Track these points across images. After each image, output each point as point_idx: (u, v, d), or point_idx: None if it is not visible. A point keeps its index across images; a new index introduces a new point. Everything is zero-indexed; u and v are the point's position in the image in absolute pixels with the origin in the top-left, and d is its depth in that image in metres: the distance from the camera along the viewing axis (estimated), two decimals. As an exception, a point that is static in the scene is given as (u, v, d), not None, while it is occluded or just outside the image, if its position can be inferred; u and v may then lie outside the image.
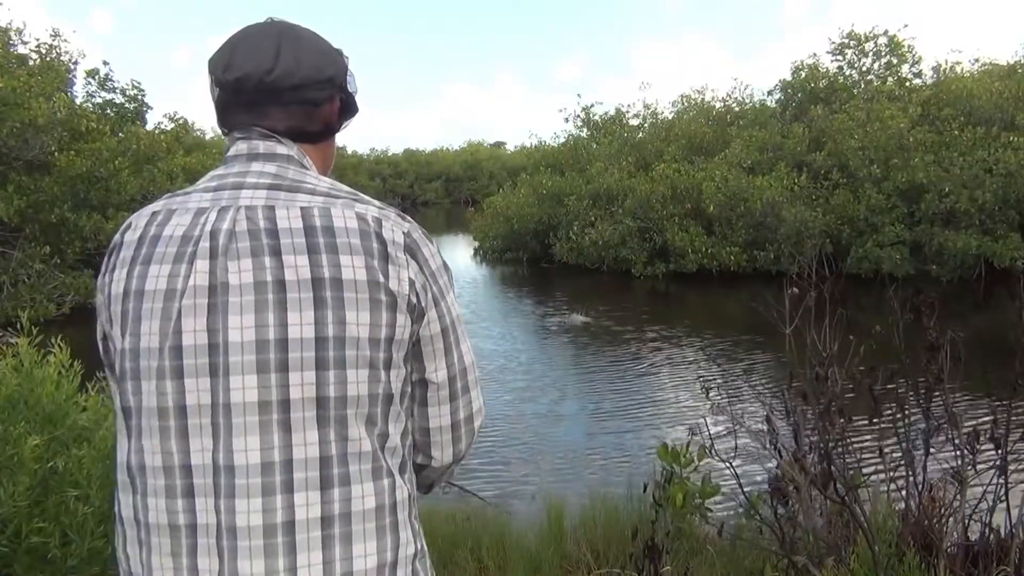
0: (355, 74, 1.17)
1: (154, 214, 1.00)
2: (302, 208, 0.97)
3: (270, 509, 0.91)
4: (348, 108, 1.16)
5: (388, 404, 0.98)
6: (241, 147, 1.05)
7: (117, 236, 1.03)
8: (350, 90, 1.15)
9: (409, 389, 1.05)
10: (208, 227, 0.95)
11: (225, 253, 0.93)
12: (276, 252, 0.93)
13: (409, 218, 1.05)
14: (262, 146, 1.04)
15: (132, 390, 0.95)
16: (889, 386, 2.81)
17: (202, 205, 0.98)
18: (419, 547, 1.03)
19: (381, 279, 0.96)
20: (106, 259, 1.03)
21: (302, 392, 0.92)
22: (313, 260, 0.93)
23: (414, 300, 0.99)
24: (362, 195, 1.04)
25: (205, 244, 0.94)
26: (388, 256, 0.97)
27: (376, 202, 1.04)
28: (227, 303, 0.92)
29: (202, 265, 0.93)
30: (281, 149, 1.05)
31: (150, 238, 0.97)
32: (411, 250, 1.01)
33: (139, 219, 1.01)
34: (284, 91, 1.05)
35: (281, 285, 0.92)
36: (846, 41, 18.04)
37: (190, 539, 0.91)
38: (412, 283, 0.99)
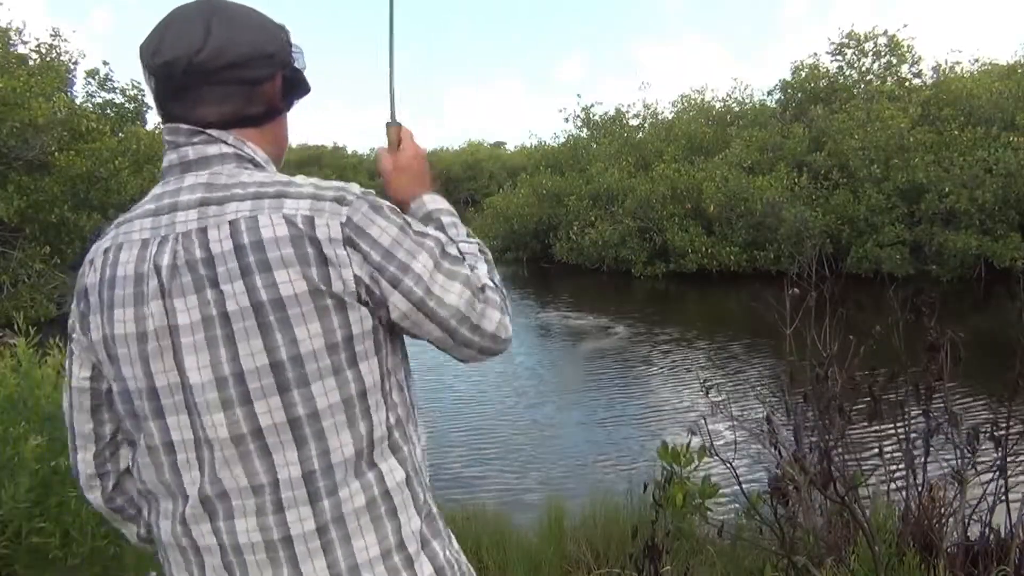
0: (303, 49, 1.09)
1: (106, 251, 0.99)
2: (231, 223, 0.92)
3: (266, 527, 0.94)
4: (295, 86, 1.09)
5: (364, 400, 0.96)
6: (172, 157, 1.00)
7: (81, 279, 1.02)
8: (297, 66, 1.08)
9: (389, 369, 1.01)
10: (151, 264, 0.94)
11: (170, 293, 0.93)
12: (215, 283, 0.91)
13: (351, 196, 0.96)
14: (192, 152, 0.99)
15: (132, 428, 1.01)
16: (889, 386, 2.81)
17: (143, 236, 0.96)
18: (423, 518, 1.02)
19: (322, 287, 0.91)
20: (76, 301, 1.03)
21: (272, 418, 0.92)
22: (248, 284, 0.90)
23: (365, 296, 0.95)
24: (294, 184, 0.96)
25: (153, 283, 0.94)
26: (326, 259, 0.92)
27: (309, 189, 0.96)
28: (181, 344, 0.93)
29: (156, 307, 0.93)
30: (212, 149, 0.99)
31: (108, 280, 0.97)
32: (352, 242, 0.94)
33: (96, 258, 1.00)
34: (217, 71, 0.98)
35: (226, 318, 0.91)
36: (846, 41, 18.04)
37: (197, 558, 0.97)
38: (359, 280, 0.94)
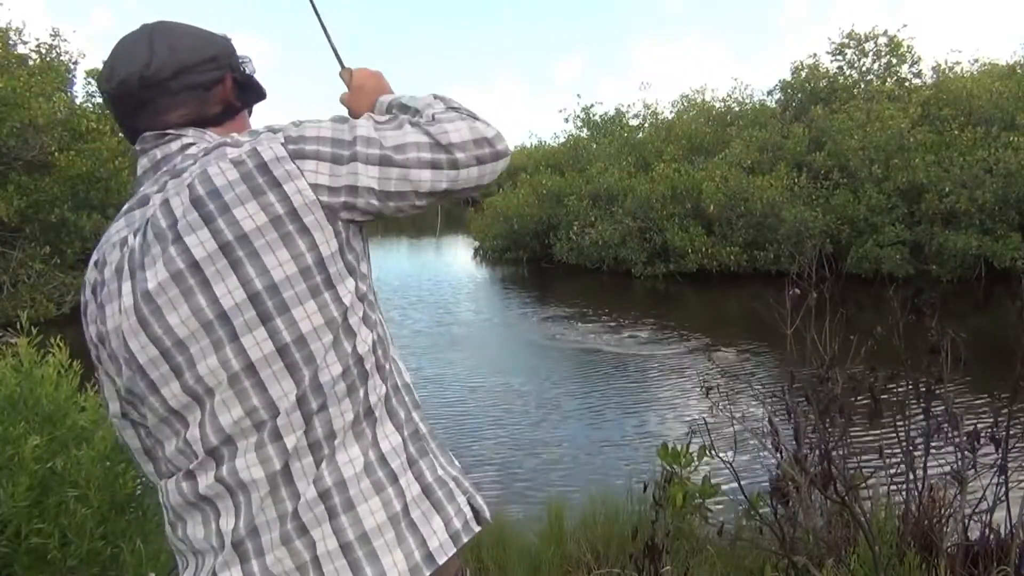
0: (250, 58, 1.17)
1: (95, 264, 1.05)
2: (188, 186, 0.97)
3: (267, 459, 0.96)
4: (247, 88, 1.16)
5: (347, 320, 1.00)
6: (144, 162, 1.07)
7: (81, 296, 1.09)
8: (246, 71, 1.16)
9: (364, 291, 1.04)
10: (127, 250, 1.00)
11: (140, 267, 0.97)
12: (178, 238, 0.95)
13: (279, 125, 1.02)
14: (159, 152, 1.06)
15: (141, 412, 1.04)
16: (889, 386, 2.81)
17: (122, 235, 1.02)
18: (408, 436, 1.05)
19: (281, 210, 0.95)
20: (82, 313, 1.09)
21: (261, 350, 0.95)
22: (212, 228, 0.94)
23: (328, 198, 0.98)
24: (233, 136, 1.03)
25: (126, 267, 0.99)
26: (277, 180, 0.96)
27: (245, 135, 1.03)
28: (157, 308, 0.96)
29: (127, 288, 0.98)
30: (175, 144, 1.05)
31: (98, 285, 1.03)
32: (298, 153, 0.98)
33: (89, 273, 1.06)
34: (168, 80, 1.05)
35: (196, 266, 0.94)
36: (846, 41, 18.02)
37: (210, 506, 0.99)
38: (316, 187, 0.97)
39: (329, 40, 1.33)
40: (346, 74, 1.33)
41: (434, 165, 1.03)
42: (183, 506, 1.01)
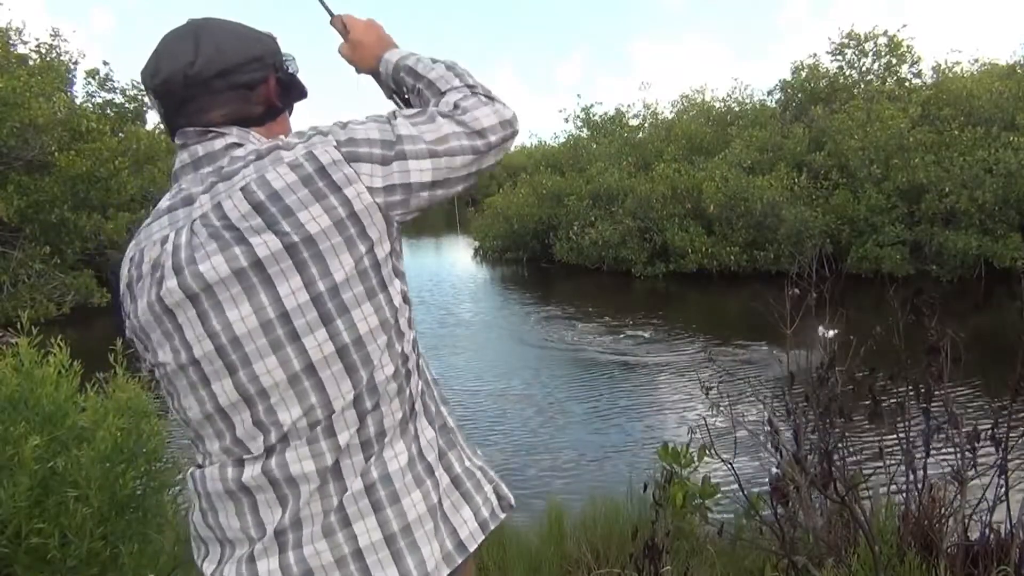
0: (294, 56, 1.16)
1: (131, 259, 1.05)
2: (242, 189, 0.97)
3: (319, 454, 0.98)
4: (290, 88, 1.16)
5: (397, 321, 1.02)
6: (183, 157, 1.06)
7: (118, 290, 1.09)
8: (289, 70, 1.15)
9: (405, 294, 1.06)
10: (169, 246, 0.99)
11: (191, 261, 0.96)
12: (241, 240, 0.95)
13: (325, 127, 1.03)
14: (201, 149, 1.05)
15: (182, 407, 1.04)
16: (889, 386, 2.81)
17: (164, 233, 1.02)
18: (437, 429, 1.09)
19: (343, 213, 0.96)
20: (126, 322, 1.09)
21: (321, 351, 0.96)
22: (278, 231, 0.95)
23: (385, 198, 1.00)
24: (282, 139, 1.04)
25: (169, 263, 0.98)
26: (337, 185, 0.97)
27: (294, 139, 1.03)
28: (217, 303, 0.96)
29: (171, 283, 0.97)
30: (219, 143, 1.05)
31: (135, 279, 1.03)
32: (353, 156, 1.00)
33: (123, 267, 1.07)
34: (212, 79, 1.05)
35: (259, 265, 0.95)
36: (846, 41, 18.02)
37: (248, 498, 1.00)
38: (373, 190, 0.99)
39: None
40: (338, 22, 1.29)
41: (473, 151, 1.07)
42: (220, 494, 1.01)
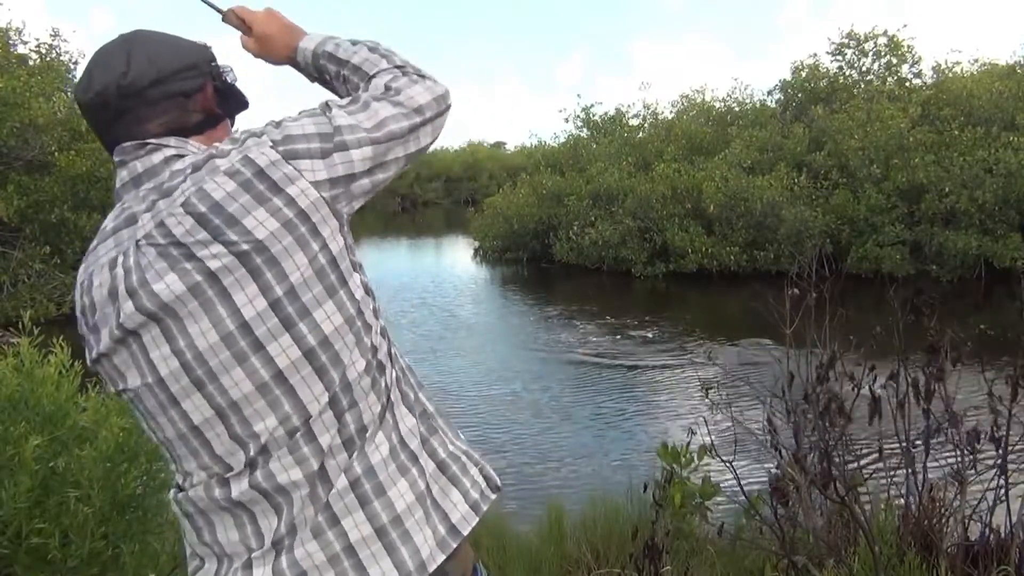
0: (232, 67, 1.15)
1: (82, 284, 1.03)
2: (183, 205, 0.95)
3: (303, 460, 0.97)
4: (228, 97, 1.14)
5: (362, 315, 1.01)
6: (123, 174, 1.04)
7: (75, 308, 1.06)
8: (227, 80, 1.14)
9: (366, 287, 1.05)
10: (120, 270, 0.97)
11: (143, 283, 0.95)
12: (191, 256, 0.93)
13: (258, 128, 1.02)
14: (140, 165, 1.03)
15: (155, 426, 1.02)
16: (889, 386, 2.81)
17: (111, 255, 1.00)
18: (418, 416, 1.08)
19: (290, 213, 0.95)
20: (80, 327, 1.06)
21: (288, 357, 0.95)
22: (224, 241, 0.93)
23: (332, 192, 0.99)
24: (216, 147, 1.02)
25: (122, 288, 0.96)
26: (277, 185, 0.95)
27: (227, 144, 1.01)
28: (178, 319, 0.94)
29: (127, 307, 0.95)
30: (157, 156, 1.03)
31: (88, 308, 1.01)
32: (291, 153, 0.98)
33: (76, 293, 1.05)
34: (146, 89, 1.04)
35: (213, 277, 0.93)
36: (846, 41, 18.03)
37: (245, 512, 0.98)
38: (318, 183, 0.98)
39: None
40: (231, 17, 1.24)
41: (411, 130, 1.06)
42: (213, 510, 1.00)
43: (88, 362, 1.05)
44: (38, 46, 14.19)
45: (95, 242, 1.04)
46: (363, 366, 1.00)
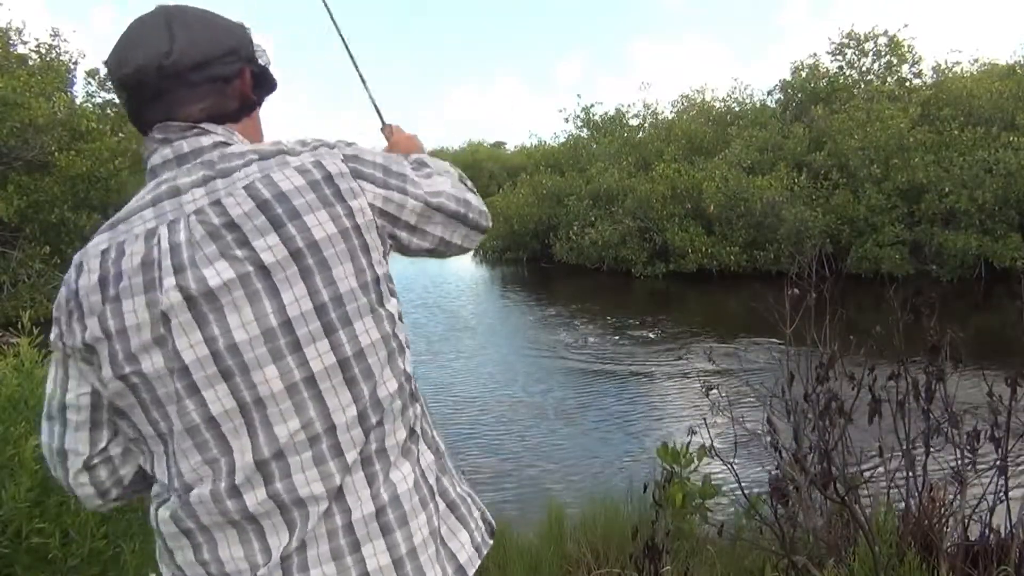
0: (264, 48, 1.13)
1: (104, 252, 0.96)
2: (245, 188, 0.94)
3: (328, 475, 0.95)
4: (263, 81, 1.12)
5: (396, 337, 1.02)
6: (166, 152, 1.00)
7: (70, 284, 0.97)
8: (261, 63, 1.10)
9: (400, 314, 1.07)
10: (165, 244, 0.93)
11: (192, 264, 0.92)
12: (244, 242, 0.92)
13: (331, 140, 1.05)
14: (186, 144, 0.99)
15: (160, 416, 0.95)
16: (889, 386, 2.81)
17: (148, 226, 0.95)
18: (434, 453, 1.08)
19: (348, 224, 0.96)
20: (61, 311, 0.98)
21: (323, 362, 0.94)
22: (282, 234, 0.93)
23: (379, 220, 1.02)
24: (284, 143, 1.02)
25: (168, 262, 0.92)
26: (342, 195, 0.97)
27: (298, 145, 1.02)
28: (217, 308, 0.92)
29: (169, 283, 0.92)
30: (206, 140, 1.00)
31: (112, 277, 0.94)
32: (358, 172, 1.01)
33: (90, 260, 0.97)
34: (188, 71, 0.99)
35: (264, 271, 0.92)
36: (846, 41, 18.04)
37: (254, 525, 0.95)
38: (373, 207, 1.00)
39: (371, 98, 1.54)
40: (387, 131, 1.51)
41: (455, 217, 1.12)
42: (219, 525, 0.95)
43: (80, 339, 0.96)
44: (38, 46, 14.19)
45: (122, 215, 0.99)
46: (395, 387, 1.00)
